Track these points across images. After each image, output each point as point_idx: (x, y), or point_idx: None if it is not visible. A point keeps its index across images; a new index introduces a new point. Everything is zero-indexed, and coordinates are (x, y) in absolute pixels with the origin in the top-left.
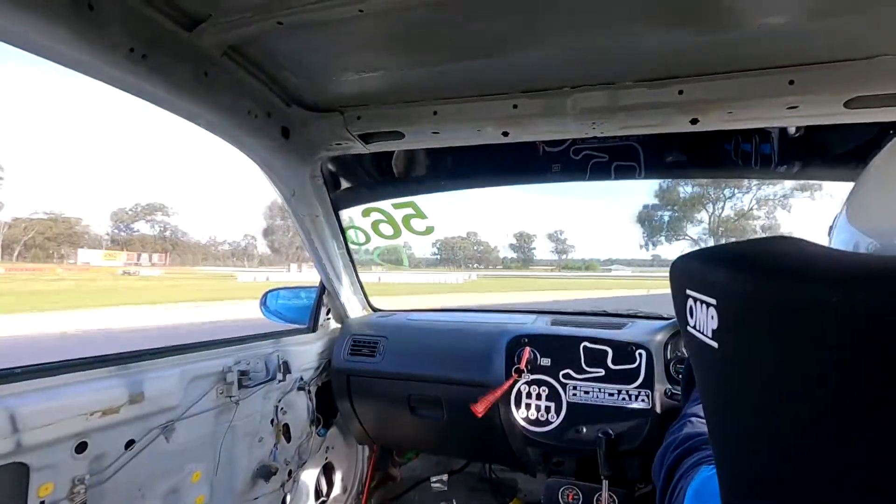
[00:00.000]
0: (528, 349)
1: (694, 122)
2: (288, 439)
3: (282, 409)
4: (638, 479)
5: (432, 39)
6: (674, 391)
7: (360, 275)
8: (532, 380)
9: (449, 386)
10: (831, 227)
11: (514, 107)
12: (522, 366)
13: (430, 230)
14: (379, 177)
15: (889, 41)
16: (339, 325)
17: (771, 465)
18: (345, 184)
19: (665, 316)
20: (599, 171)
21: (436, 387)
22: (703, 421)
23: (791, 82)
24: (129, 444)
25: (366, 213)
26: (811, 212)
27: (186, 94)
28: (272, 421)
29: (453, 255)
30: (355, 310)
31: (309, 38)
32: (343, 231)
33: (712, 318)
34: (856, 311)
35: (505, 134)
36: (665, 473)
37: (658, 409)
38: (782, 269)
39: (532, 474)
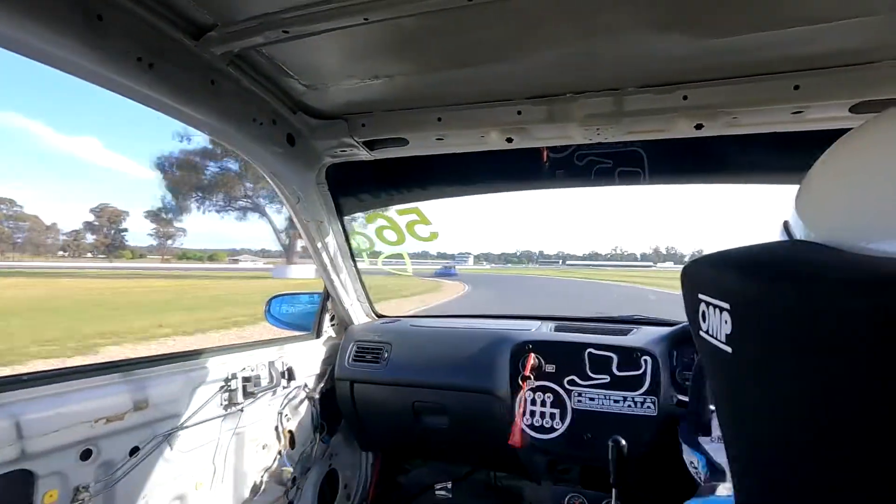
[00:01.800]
0: (532, 356)
1: (699, 127)
2: (292, 446)
3: (286, 415)
4: (640, 486)
5: (436, 46)
6: (680, 398)
7: (364, 281)
8: (537, 386)
9: (453, 393)
10: (784, 227)
11: (519, 113)
12: (527, 373)
13: (434, 236)
14: (383, 183)
15: (894, 46)
16: (343, 332)
17: (788, 470)
18: (350, 190)
19: (671, 322)
20: (603, 176)
21: (440, 393)
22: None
23: (796, 87)
24: (134, 450)
25: (370, 220)
26: None
27: (193, 103)
28: (276, 428)
29: None
30: (359, 316)
31: (314, 47)
32: (347, 237)
33: (726, 322)
34: (874, 315)
35: (509, 140)
36: None
37: (663, 417)
38: (797, 272)
39: (537, 482)
